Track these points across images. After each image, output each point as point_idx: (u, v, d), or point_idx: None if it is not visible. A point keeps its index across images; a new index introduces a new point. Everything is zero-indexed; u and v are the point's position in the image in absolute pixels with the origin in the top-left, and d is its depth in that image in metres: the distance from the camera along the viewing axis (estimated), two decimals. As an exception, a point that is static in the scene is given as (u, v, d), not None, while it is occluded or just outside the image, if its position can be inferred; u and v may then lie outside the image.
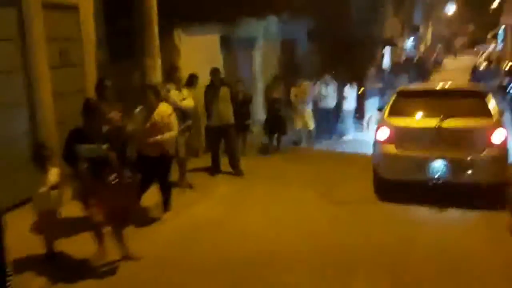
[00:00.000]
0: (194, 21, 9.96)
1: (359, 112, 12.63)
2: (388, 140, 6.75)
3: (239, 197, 7.49)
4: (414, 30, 45.00)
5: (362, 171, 7.77)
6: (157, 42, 8.57)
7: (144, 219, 6.28)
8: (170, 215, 6.43)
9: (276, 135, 10.54)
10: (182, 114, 7.22)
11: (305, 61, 16.78)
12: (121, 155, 4.79)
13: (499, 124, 6.56)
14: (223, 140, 8.49)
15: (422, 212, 6.41)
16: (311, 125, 11.04)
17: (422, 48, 51.09)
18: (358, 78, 13.66)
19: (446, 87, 7.99)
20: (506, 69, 17.72)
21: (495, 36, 51.00)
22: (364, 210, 6.60)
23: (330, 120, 11.65)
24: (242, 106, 9.24)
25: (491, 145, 6.36)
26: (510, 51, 34.58)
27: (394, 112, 7.03)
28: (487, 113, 6.65)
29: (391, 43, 31.80)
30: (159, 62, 8.62)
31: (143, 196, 6.27)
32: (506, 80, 14.69)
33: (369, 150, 7.68)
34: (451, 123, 6.45)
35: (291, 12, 14.82)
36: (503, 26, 46.33)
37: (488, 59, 26.46)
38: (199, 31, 10.29)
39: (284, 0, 12.78)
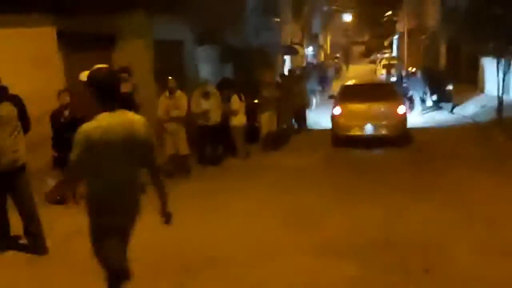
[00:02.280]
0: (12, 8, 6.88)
1: (252, 130, 10.00)
2: (340, 114, 10.69)
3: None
4: (314, 38, 44.51)
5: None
6: None
7: None
8: None
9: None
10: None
11: (190, 67, 14.00)
12: None
13: (401, 103, 11.00)
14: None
15: (360, 151, 10.38)
16: (186, 150, 8.18)
17: (322, 56, 51.18)
18: (253, 87, 11.25)
19: (372, 82, 14.69)
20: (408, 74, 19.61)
21: (390, 45, 52.84)
22: (324, 152, 10.29)
23: (215, 141, 8.89)
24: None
25: (397, 114, 10.54)
26: (405, 56, 35.20)
27: (342, 98, 11.08)
28: (394, 97, 11.09)
29: (292, 51, 30.24)
30: None
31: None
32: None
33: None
34: (375, 103, 10.63)
35: (169, 7, 12.01)
36: (396, 36, 48.01)
37: (387, 67, 28.16)
38: (20, 22, 7.16)
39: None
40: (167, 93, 7.98)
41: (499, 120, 12.40)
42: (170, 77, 8.01)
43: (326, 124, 12.52)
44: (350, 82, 13.00)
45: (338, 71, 37.24)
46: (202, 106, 8.58)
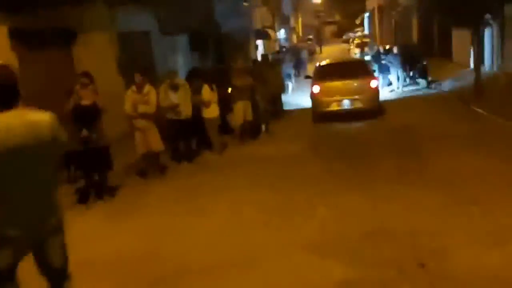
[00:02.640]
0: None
1: (223, 123, 9.58)
2: (319, 92, 11.45)
3: None
4: (285, 21, 43.97)
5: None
6: None
7: None
8: None
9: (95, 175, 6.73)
10: None
11: (158, 59, 13.47)
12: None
13: (373, 77, 12.03)
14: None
15: (339, 124, 11.18)
16: (159, 146, 7.70)
17: (294, 39, 50.73)
18: (225, 75, 10.76)
19: (345, 60, 16.37)
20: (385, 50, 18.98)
21: (361, 23, 52.69)
22: (305, 138, 10.19)
23: (188, 136, 8.38)
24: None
25: (370, 88, 11.39)
26: (377, 34, 34.93)
27: (319, 77, 11.84)
28: (368, 72, 12.06)
29: (264, 35, 29.70)
30: None
31: None
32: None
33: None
34: (349, 80, 11.42)
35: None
36: (367, 13, 47.82)
37: (361, 45, 28.57)
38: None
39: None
40: (134, 88, 7.46)
41: (477, 90, 12.24)
42: (137, 72, 7.46)
43: (306, 104, 13.06)
44: (324, 62, 13.62)
45: (312, 53, 36.88)
46: (170, 100, 8.07)
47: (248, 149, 9.17)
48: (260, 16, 30.49)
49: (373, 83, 11.38)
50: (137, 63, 10.47)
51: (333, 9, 65.09)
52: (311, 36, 50.59)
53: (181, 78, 8.79)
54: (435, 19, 19.35)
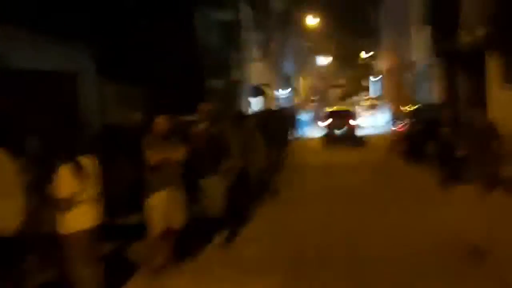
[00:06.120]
0: None
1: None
2: (327, 125, 20.29)
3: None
4: (287, 81, 41.03)
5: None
6: None
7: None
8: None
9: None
10: None
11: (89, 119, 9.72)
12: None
13: (353, 119, 20.85)
14: None
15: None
16: None
17: (298, 100, 47.78)
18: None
19: (341, 108, 24.52)
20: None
21: (367, 87, 50.47)
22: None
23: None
24: None
25: (350, 124, 20.30)
26: (389, 94, 32.12)
27: (327, 116, 20.86)
28: (350, 115, 21.05)
29: (259, 91, 26.24)
30: None
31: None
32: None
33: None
34: (341, 118, 20.42)
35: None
36: (374, 77, 45.27)
37: (371, 107, 29.40)
38: None
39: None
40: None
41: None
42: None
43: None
44: (330, 109, 23.02)
45: (318, 114, 33.81)
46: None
47: None
48: (256, 72, 27.22)
49: (352, 122, 20.26)
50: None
51: (339, 72, 63.12)
52: (313, 98, 48.01)
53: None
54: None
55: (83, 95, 10.16)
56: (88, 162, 4.26)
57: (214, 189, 6.00)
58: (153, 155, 5.12)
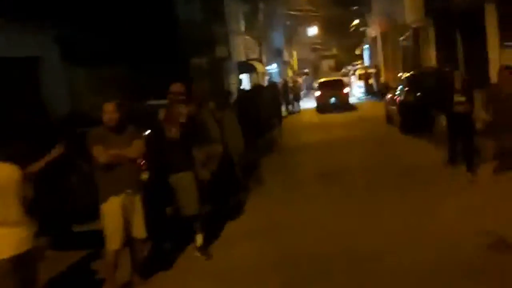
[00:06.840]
0: None
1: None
2: (319, 96, 22.54)
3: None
4: (277, 54, 39.74)
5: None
6: None
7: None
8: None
9: None
10: None
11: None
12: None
13: (346, 87, 23.80)
14: None
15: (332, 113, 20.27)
16: None
17: (290, 73, 46.52)
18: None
19: (332, 78, 27.00)
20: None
21: (361, 55, 49.00)
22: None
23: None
24: None
25: (343, 92, 22.63)
26: (379, 63, 30.87)
27: (318, 88, 23.41)
28: (344, 85, 23.42)
29: (248, 67, 25.07)
30: None
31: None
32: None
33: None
34: (334, 88, 22.43)
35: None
36: (366, 45, 43.85)
37: (365, 77, 27.86)
38: None
39: None
40: None
41: None
42: None
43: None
44: (322, 79, 24.82)
45: (310, 87, 32.84)
46: None
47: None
48: (244, 46, 26.01)
49: (345, 90, 22.64)
50: None
51: (330, 42, 61.54)
52: (307, 70, 46.74)
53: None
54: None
55: (45, 82, 9.14)
56: (3, 172, 3.29)
57: (187, 185, 5.05)
58: (101, 152, 4.14)
